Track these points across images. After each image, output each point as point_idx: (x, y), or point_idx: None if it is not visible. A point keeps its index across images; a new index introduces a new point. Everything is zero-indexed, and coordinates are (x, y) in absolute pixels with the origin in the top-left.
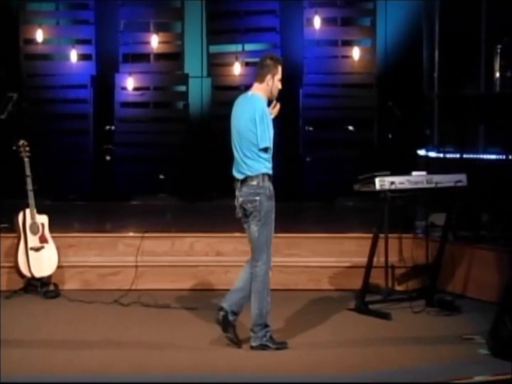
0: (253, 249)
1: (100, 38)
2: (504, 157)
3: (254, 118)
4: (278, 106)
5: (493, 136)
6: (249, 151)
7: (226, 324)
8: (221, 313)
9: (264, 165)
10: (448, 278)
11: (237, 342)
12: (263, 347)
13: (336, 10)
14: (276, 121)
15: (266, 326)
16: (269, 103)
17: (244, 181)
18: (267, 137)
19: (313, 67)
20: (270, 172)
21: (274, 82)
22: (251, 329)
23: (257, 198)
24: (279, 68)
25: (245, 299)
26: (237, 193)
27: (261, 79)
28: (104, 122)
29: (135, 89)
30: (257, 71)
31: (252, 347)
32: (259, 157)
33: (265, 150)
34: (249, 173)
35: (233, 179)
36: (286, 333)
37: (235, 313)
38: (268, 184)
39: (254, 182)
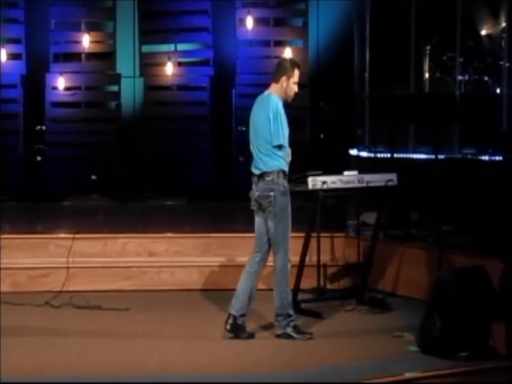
0: (272, 243)
1: (30, 37)
2: (433, 156)
3: (269, 116)
4: None
5: (423, 136)
6: (264, 148)
7: (238, 330)
8: (230, 321)
9: (279, 162)
10: (379, 276)
11: (253, 337)
12: (286, 336)
13: (269, 11)
14: (212, 120)
15: (289, 316)
16: (285, 104)
17: (260, 176)
18: (280, 135)
19: (246, 67)
20: (286, 168)
21: (289, 84)
22: (275, 319)
23: (271, 193)
24: (296, 72)
25: (250, 299)
26: (253, 187)
27: (276, 80)
28: (35, 122)
29: (67, 89)
30: (274, 72)
31: (276, 335)
32: (274, 154)
33: (279, 147)
34: (265, 169)
35: (251, 174)
36: (218, 333)
37: (243, 315)
38: (283, 181)
39: (270, 178)
